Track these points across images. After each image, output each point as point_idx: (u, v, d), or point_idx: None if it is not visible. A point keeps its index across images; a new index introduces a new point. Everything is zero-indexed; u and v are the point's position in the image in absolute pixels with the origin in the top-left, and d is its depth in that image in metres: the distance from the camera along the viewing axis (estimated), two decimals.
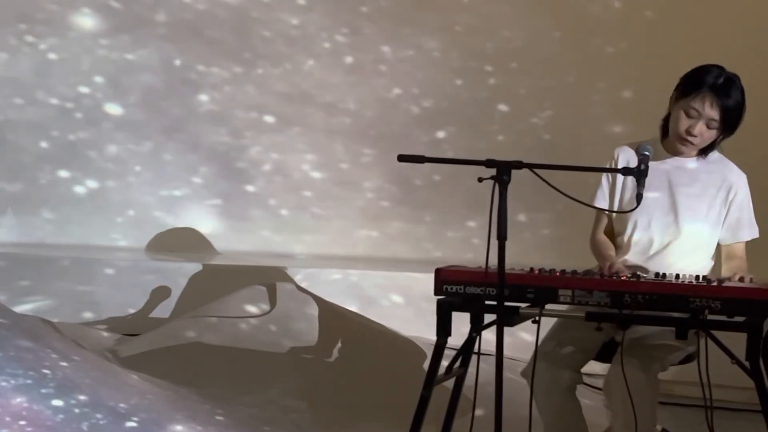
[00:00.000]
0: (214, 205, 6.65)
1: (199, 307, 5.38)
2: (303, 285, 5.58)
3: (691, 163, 3.75)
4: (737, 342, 3.24)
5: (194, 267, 5.98)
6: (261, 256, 6.49)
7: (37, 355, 3.96)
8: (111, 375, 4.20)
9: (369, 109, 6.54)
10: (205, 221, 6.62)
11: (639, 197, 3.29)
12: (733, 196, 3.73)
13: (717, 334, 3.28)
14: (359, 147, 6.54)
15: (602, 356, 3.75)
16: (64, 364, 3.99)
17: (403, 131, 6.46)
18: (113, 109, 6.63)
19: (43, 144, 6.61)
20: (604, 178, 3.81)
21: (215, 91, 6.61)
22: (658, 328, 3.49)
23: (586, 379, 3.87)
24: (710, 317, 3.25)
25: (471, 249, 6.31)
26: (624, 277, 3.36)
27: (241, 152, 6.63)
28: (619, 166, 3.67)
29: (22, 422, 3.57)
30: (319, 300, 5.31)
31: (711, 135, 3.66)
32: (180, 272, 5.96)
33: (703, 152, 3.73)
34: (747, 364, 3.23)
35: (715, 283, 3.29)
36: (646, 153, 3.41)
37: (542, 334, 3.54)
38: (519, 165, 3.15)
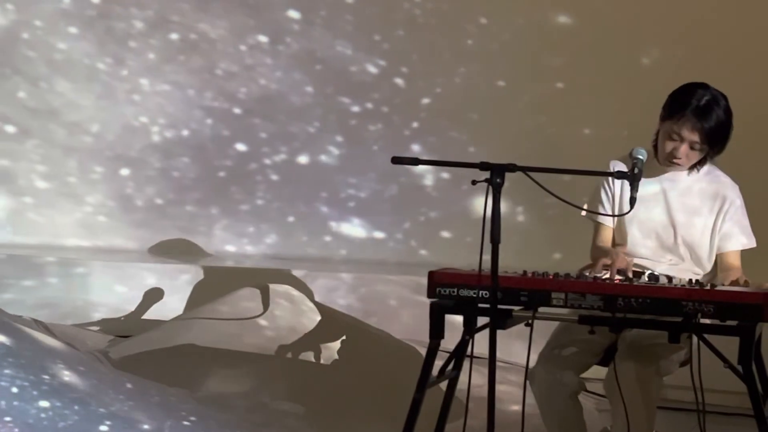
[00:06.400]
0: None
1: (193, 308, 5.38)
2: (296, 287, 5.57)
3: (685, 176, 3.77)
4: (730, 346, 3.25)
5: (187, 269, 5.97)
6: (256, 258, 6.48)
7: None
8: (104, 377, 4.20)
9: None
10: None
11: (632, 201, 3.29)
12: (728, 207, 3.75)
13: (709, 338, 3.28)
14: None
15: (605, 361, 3.74)
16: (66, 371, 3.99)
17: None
18: None
19: None
20: (604, 194, 3.82)
21: None
22: (654, 332, 3.49)
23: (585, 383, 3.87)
24: (703, 321, 3.26)
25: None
26: (617, 281, 3.36)
27: None
28: (617, 180, 3.70)
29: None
30: (312, 302, 5.31)
31: (696, 155, 3.68)
32: (173, 274, 5.95)
33: (695, 167, 3.76)
34: (739, 368, 3.23)
35: (708, 287, 3.29)
36: (640, 157, 3.41)
37: (540, 340, 3.54)
38: (513, 168, 3.15)
